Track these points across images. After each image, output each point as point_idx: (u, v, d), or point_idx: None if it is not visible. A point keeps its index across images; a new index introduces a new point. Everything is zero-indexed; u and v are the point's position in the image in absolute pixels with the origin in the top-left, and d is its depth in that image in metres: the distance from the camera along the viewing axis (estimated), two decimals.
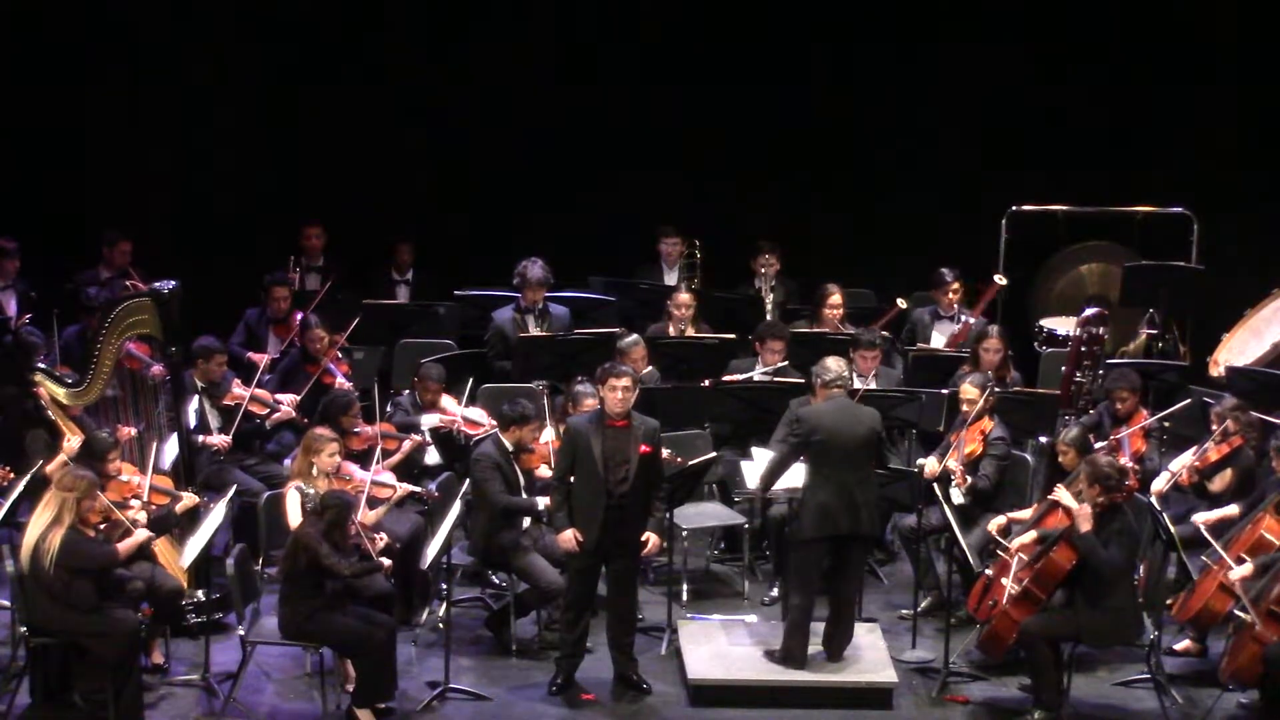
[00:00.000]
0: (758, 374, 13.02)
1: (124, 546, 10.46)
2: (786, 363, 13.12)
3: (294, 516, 10.98)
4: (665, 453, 11.54)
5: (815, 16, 16.06)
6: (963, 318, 13.96)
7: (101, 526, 10.47)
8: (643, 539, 10.88)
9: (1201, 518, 11.31)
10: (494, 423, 12.08)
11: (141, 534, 10.60)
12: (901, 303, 14.50)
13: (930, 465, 11.92)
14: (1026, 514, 11.31)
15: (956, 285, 14.03)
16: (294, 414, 12.63)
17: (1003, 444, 11.87)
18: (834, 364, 11.12)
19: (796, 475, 11.08)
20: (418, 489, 11.71)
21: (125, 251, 14.55)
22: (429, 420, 12.64)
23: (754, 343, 13.34)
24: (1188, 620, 11.14)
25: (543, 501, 11.38)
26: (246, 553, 10.88)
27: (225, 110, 15.88)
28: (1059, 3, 16.08)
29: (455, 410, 12.72)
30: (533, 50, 16.10)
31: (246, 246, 15.38)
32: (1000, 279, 14.90)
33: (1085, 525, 10.47)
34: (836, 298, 13.92)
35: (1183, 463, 11.94)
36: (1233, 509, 11.39)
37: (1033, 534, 10.80)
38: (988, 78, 15.97)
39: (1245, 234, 15.59)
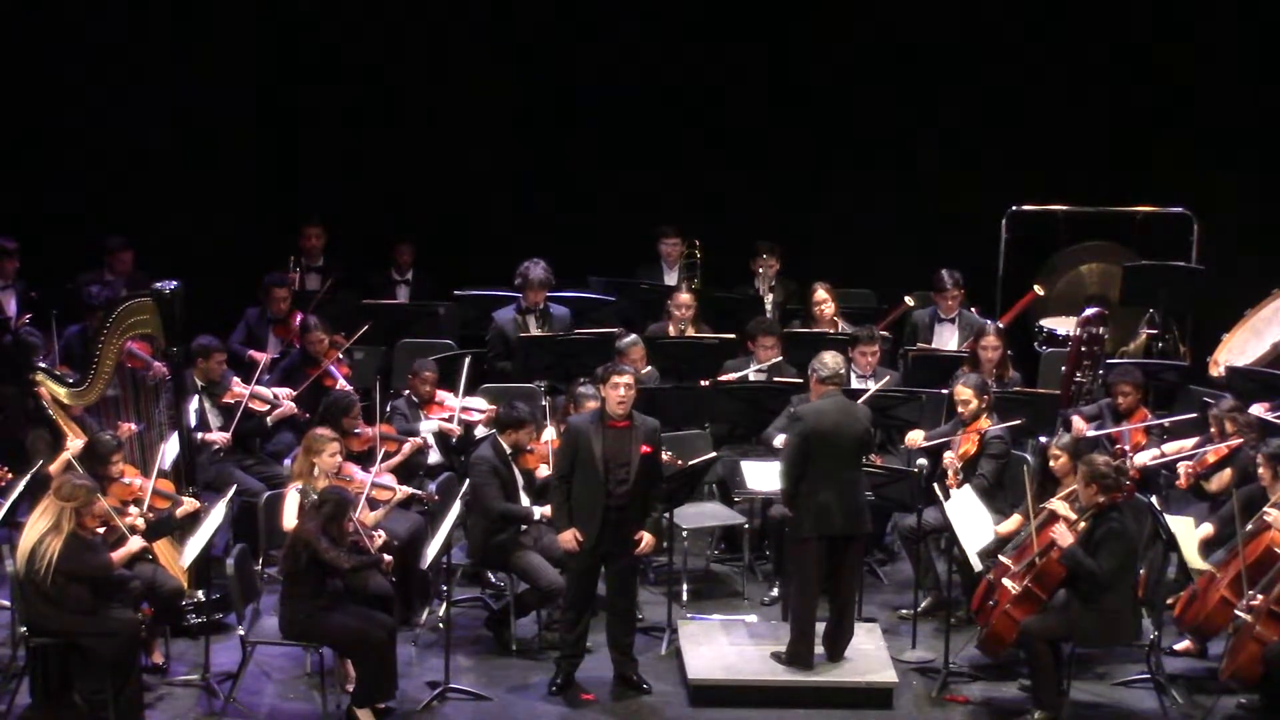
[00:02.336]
0: (752, 372, 13.03)
1: (118, 556, 10.47)
2: (781, 358, 13.13)
3: (290, 519, 10.98)
4: (665, 455, 11.56)
5: (815, 17, 16.06)
6: (989, 324, 13.83)
7: (100, 530, 10.47)
8: (636, 537, 10.88)
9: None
10: (492, 409, 12.10)
11: (135, 543, 10.60)
12: (909, 300, 14.51)
13: (914, 436, 11.93)
14: (1012, 524, 11.31)
15: (956, 291, 14.00)
16: (295, 409, 12.63)
17: (1001, 444, 11.87)
18: (831, 359, 11.10)
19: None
20: (418, 491, 11.71)
21: (127, 260, 14.54)
22: (428, 426, 12.62)
23: (746, 341, 13.33)
24: (1189, 629, 11.14)
25: (539, 511, 11.39)
26: (246, 553, 10.88)
27: (225, 110, 15.87)
28: (1059, 3, 16.08)
29: (452, 402, 12.73)
30: (533, 49, 16.10)
31: (246, 246, 15.37)
32: (1039, 289, 14.94)
33: (1065, 541, 10.49)
34: (821, 293, 13.93)
35: (1176, 447, 11.95)
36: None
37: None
38: (988, 77, 15.97)
39: (1245, 234, 15.59)
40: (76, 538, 10.16)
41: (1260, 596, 10.51)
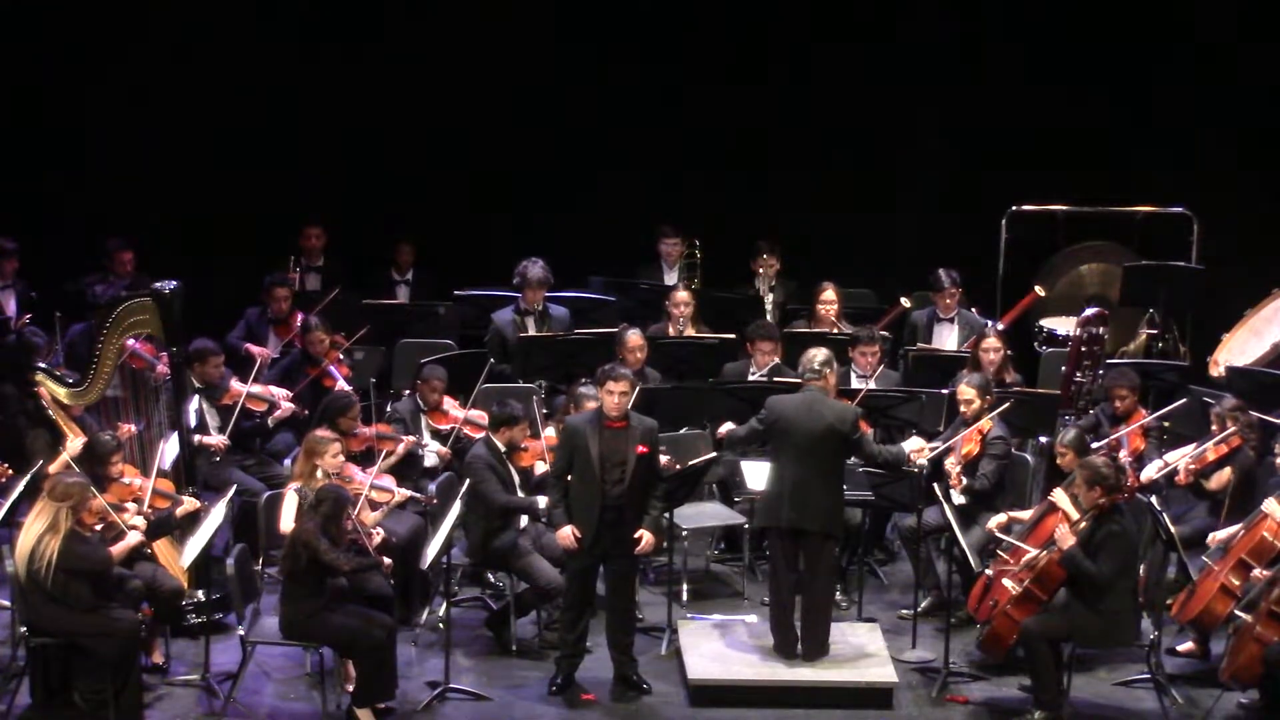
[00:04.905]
0: (752, 380, 12.99)
1: (117, 550, 10.47)
2: (778, 361, 13.12)
3: (288, 520, 10.98)
4: (665, 459, 11.57)
5: (815, 16, 16.06)
6: (989, 324, 13.80)
7: (98, 527, 10.47)
8: (636, 536, 10.88)
9: (1213, 537, 11.25)
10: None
11: (133, 537, 10.60)
12: (905, 301, 14.51)
13: (916, 443, 11.94)
14: (1028, 514, 11.32)
15: (954, 291, 13.99)
16: (294, 407, 12.62)
17: (1002, 444, 11.87)
18: (814, 354, 11.19)
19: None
20: (418, 494, 11.69)
21: (127, 260, 14.55)
22: (432, 449, 12.56)
23: (744, 344, 13.31)
24: (1188, 622, 11.14)
25: (542, 500, 11.39)
26: (246, 553, 10.88)
27: (225, 109, 15.87)
28: (1059, 3, 16.08)
29: (457, 413, 12.69)
30: (533, 50, 16.10)
31: (246, 246, 15.37)
32: (1040, 290, 14.97)
33: (1065, 543, 10.50)
34: (830, 294, 13.93)
35: (1179, 455, 11.95)
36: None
37: (1030, 554, 10.79)
38: (988, 77, 15.97)
39: (1245, 234, 15.59)
40: (75, 535, 10.16)
41: (1260, 572, 10.53)
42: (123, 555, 10.53)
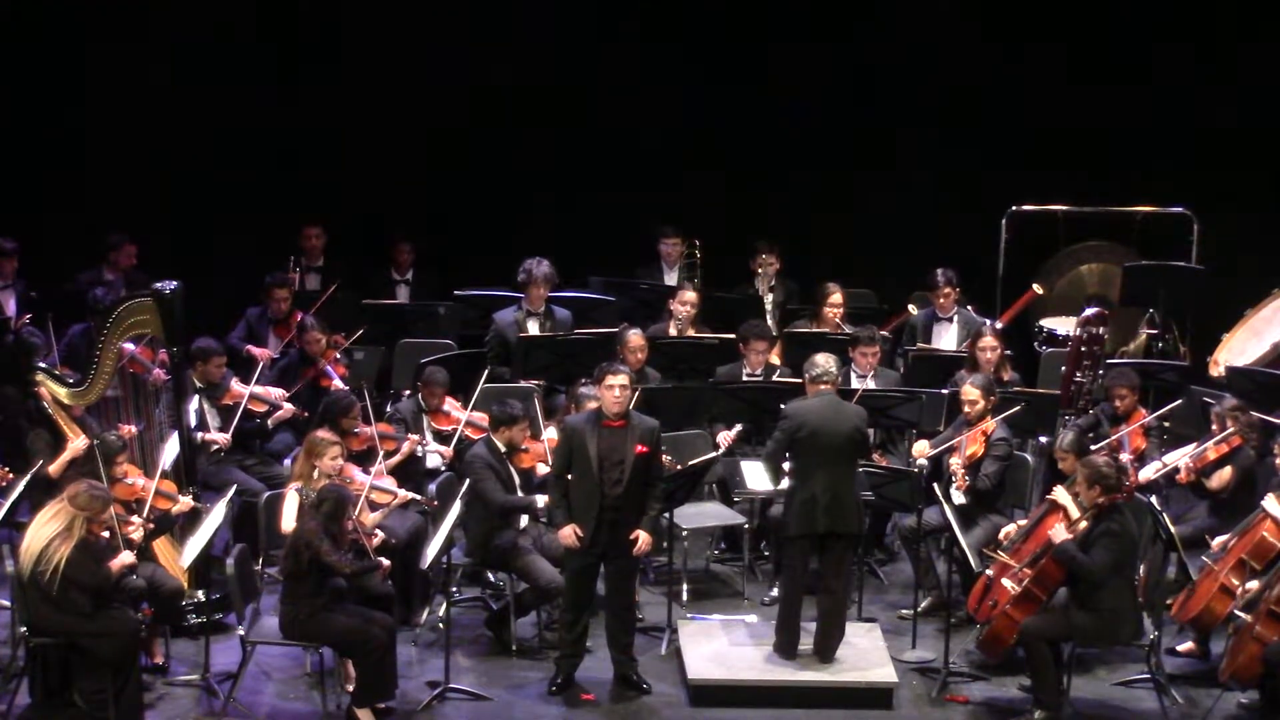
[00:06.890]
0: (748, 380, 12.98)
1: (115, 566, 10.44)
2: (777, 361, 13.11)
3: (288, 521, 10.98)
4: (665, 459, 11.56)
5: (814, 17, 16.06)
6: (986, 323, 13.79)
7: (104, 534, 10.47)
8: (632, 537, 10.88)
9: (1217, 543, 11.23)
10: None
11: (127, 557, 10.54)
12: (912, 308, 14.50)
13: (920, 447, 11.93)
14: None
15: (949, 290, 13.99)
16: (292, 409, 12.62)
17: (1005, 445, 11.87)
18: (821, 359, 11.21)
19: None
20: (418, 496, 11.68)
21: (130, 254, 14.56)
22: (434, 449, 12.57)
23: (737, 344, 13.29)
24: (1188, 621, 11.15)
25: (541, 499, 11.39)
26: (246, 553, 10.89)
27: (225, 110, 15.86)
28: (1059, 3, 16.07)
29: (459, 415, 12.68)
30: (532, 50, 16.09)
31: (246, 246, 15.37)
32: (1038, 288, 14.97)
33: (1059, 538, 10.50)
34: (837, 297, 13.92)
35: (1179, 455, 11.96)
36: None
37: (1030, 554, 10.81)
38: (987, 77, 15.97)
39: (1245, 234, 15.59)
40: (85, 545, 10.15)
41: (1257, 583, 10.53)
42: (120, 572, 10.49)
